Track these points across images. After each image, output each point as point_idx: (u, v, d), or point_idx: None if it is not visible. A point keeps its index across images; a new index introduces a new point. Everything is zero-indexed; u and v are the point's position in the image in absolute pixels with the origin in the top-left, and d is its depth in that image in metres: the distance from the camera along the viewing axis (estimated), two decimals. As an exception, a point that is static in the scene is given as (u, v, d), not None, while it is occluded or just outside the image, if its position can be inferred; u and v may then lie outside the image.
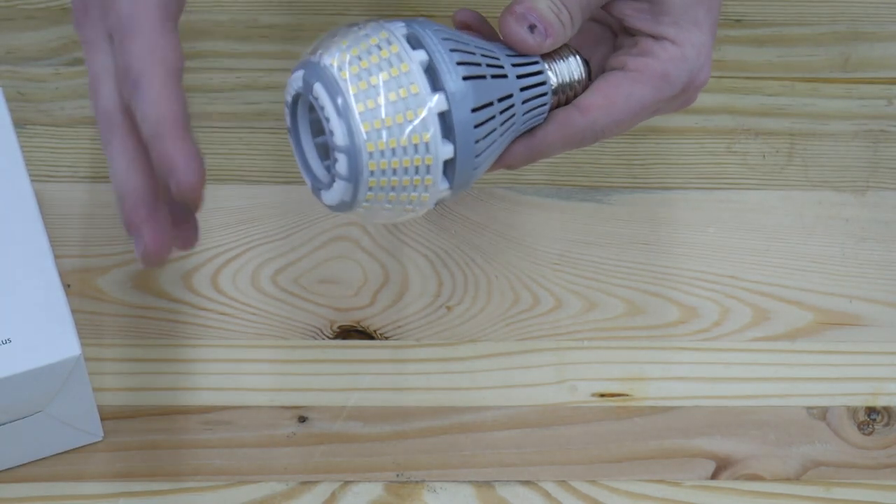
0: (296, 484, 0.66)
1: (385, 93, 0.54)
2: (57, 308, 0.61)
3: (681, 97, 0.61)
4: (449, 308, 0.72)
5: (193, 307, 0.71)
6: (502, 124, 0.56)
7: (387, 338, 0.71)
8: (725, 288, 0.73)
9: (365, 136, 0.53)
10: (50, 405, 0.62)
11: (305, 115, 0.57)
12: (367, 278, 0.72)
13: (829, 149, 0.78)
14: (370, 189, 0.54)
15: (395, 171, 0.54)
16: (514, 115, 0.57)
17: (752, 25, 0.81)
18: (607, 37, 0.62)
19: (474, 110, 0.55)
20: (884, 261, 0.74)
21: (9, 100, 0.74)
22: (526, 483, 0.67)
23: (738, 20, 0.81)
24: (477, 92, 0.55)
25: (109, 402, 0.68)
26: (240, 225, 0.73)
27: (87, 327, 0.69)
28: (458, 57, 0.55)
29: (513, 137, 0.58)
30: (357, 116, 0.53)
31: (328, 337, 0.70)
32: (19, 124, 0.74)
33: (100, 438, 0.67)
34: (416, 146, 0.54)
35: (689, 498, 0.67)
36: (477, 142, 0.55)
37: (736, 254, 0.74)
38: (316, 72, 0.54)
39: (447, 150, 0.55)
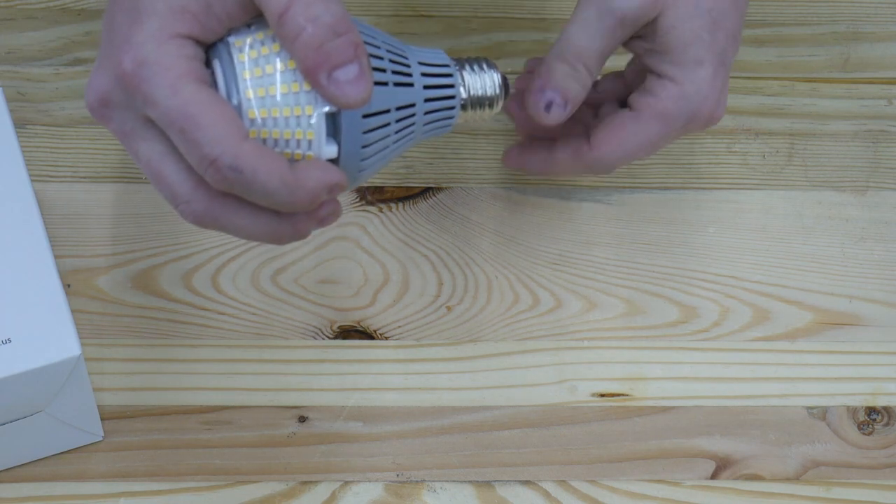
0: (296, 484, 0.66)
1: (279, 83, 0.54)
2: (57, 308, 0.61)
3: (688, 128, 0.65)
4: (449, 308, 0.72)
5: (193, 307, 0.71)
6: (398, 132, 0.56)
7: (387, 338, 0.71)
8: (725, 288, 0.73)
9: (249, 122, 0.53)
10: (50, 405, 0.62)
11: None
12: (367, 278, 0.72)
13: (829, 149, 0.78)
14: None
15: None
16: (413, 124, 0.57)
17: (752, 25, 0.81)
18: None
19: (366, 116, 0.55)
20: (884, 261, 0.74)
21: (9, 100, 0.74)
22: (526, 483, 0.67)
23: (738, 20, 0.81)
24: (373, 98, 0.54)
25: (109, 402, 0.68)
26: (240, 225, 0.73)
27: (87, 327, 0.69)
28: None
29: (412, 143, 0.58)
30: (244, 102, 0.53)
31: (328, 337, 0.70)
32: (19, 124, 0.74)
33: (100, 438, 0.67)
34: (298, 141, 0.54)
35: (689, 498, 0.67)
36: (364, 146, 0.55)
37: (736, 254, 0.74)
38: (219, 49, 0.54)
39: (331, 150, 0.55)
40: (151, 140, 0.54)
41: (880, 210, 0.76)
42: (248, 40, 0.54)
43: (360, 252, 0.73)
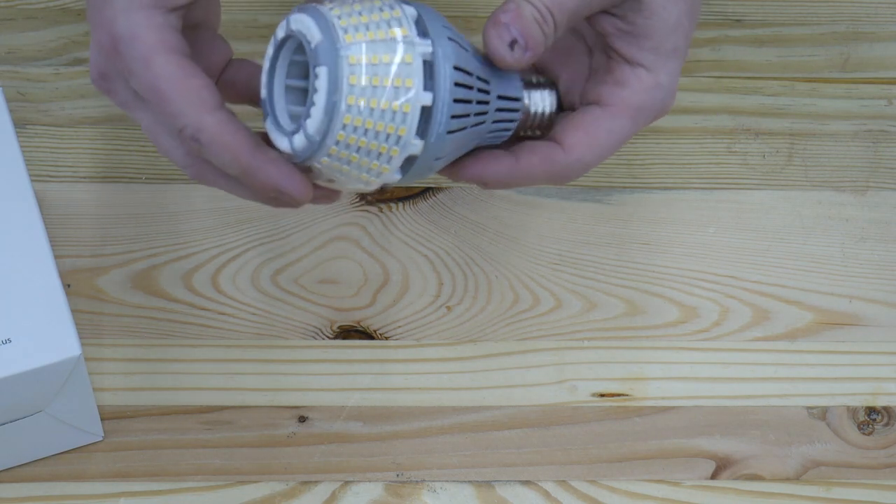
0: (296, 484, 0.66)
1: (382, 76, 0.53)
2: (57, 308, 0.61)
3: (651, 122, 0.60)
4: (449, 308, 0.72)
5: (193, 307, 0.71)
6: (467, 140, 0.57)
7: (387, 338, 0.71)
8: (725, 288, 0.73)
9: (345, 109, 0.53)
10: (50, 405, 0.62)
11: (288, 56, 0.56)
12: (367, 278, 0.72)
13: (829, 149, 0.78)
14: (336, 144, 0.54)
15: (358, 149, 0.54)
16: (480, 133, 0.57)
17: (752, 25, 0.81)
18: (581, 49, 0.61)
19: (453, 119, 0.55)
20: (884, 261, 0.74)
21: (9, 100, 0.74)
22: (526, 483, 0.67)
23: (738, 20, 0.81)
24: (459, 104, 0.55)
25: (109, 402, 0.68)
26: (240, 225, 0.73)
27: (87, 327, 0.69)
28: (457, 77, 0.55)
29: (469, 149, 0.58)
30: (345, 85, 0.53)
31: (328, 337, 0.70)
32: (19, 124, 0.74)
33: (100, 438, 0.67)
34: (388, 135, 0.54)
35: (689, 498, 0.67)
36: (438, 158, 0.56)
37: (736, 254, 0.74)
38: (322, 24, 0.54)
39: (416, 147, 0.55)
40: (144, 110, 0.56)
41: (880, 210, 0.76)
42: (355, 21, 0.54)
43: (360, 252, 0.73)
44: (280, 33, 0.56)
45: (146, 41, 0.54)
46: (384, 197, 0.74)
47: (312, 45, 0.53)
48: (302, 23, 0.54)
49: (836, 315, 0.72)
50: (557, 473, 0.67)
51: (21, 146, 0.65)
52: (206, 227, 0.73)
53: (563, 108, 0.60)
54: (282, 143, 0.55)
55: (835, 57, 0.81)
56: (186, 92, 0.53)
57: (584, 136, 0.58)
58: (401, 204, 0.74)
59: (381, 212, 0.74)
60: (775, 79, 0.80)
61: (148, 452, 0.67)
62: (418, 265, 0.73)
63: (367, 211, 0.74)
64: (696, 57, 0.80)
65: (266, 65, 0.56)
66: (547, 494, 0.67)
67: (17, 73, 0.77)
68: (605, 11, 0.58)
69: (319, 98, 0.53)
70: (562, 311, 0.72)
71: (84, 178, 0.74)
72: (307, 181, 0.55)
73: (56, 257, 0.63)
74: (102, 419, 0.66)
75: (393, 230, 0.73)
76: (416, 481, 0.67)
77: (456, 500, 0.66)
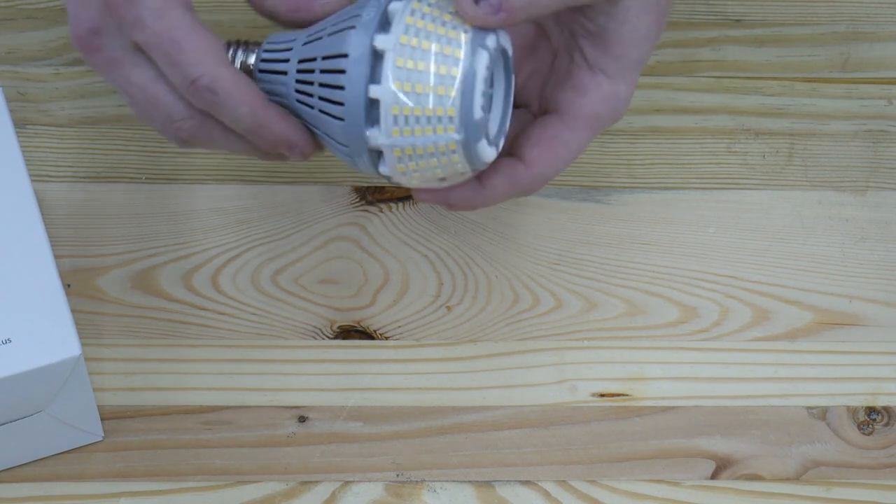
0: (296, 484, 0.66)
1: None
2: (57, 308, 0.61)
3: (607, 128, 0.61)
4: (449, 308, 0.72)
5: (193, 307, 0.71)
6: None
7: (387, 338, 0.71)
8: (725, 288, 0.73)
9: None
10: (50, 405, 0.62)
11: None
12: (367, 278, 0.72)
13: (829, 149, 0.78)
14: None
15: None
16: None
17: (752, 25, 0.81)
18: (545, 47, 0.61)
19: None
20: (884, 261, 0.74)
21: (9, 100, 0.74)
22: (526, 483, 0.67)
23: (738, 20, 0.81)
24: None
25: (109, 402, 0.68)
26: (240, 225, 0.73)
27: (87, 327, 0.69)
28: None
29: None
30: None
31: (328, 337, 0.70)
32: (19, 124, 0.74)
33: (100, 438, 0.67)
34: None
35: (689, 498, 0.67)
36: None
37: (736, 254, 0.74)
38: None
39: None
40: (143, 66, 0.56)
41: (880, 210, 0.76)
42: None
43: (360, 252, 0.73)
44: (493, 44, 0.55)
45: None
46: (384, 197, 0.74)
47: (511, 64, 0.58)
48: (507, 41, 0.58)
49: (836, 315, 0.72)
50: (557, 473, 0.67)
51: (21, 146, 0.65)
52: (206, 227, 0.73)
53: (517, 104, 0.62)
54: (489, 153, 0.58)
55: (835, 57, 0.81)
56: (202, 43, 0.54)
57: (544, 151, 0.59)
58: (401, 204, 0.74)
59: (381, 212, 0.74)
60: (775, 79, 0.80)
61: (148, 452, 0.67)
62: (418, 265, 0.73)
63: (367, 211, 0.74)
64: (696, 57, 0.80)
65: (481, 77, 0.55)
66: (547, 494, 0.67)
67: (17, 73, 0.77)
68: (578, 9, 0.57)
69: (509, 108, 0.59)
70: (562, 311, 0.72)
71: (84, 178, 0.74)
72: (313, 141, 0.57)
73: (56, 257, 0.63)
74: (102, 419, 0.66)
75: (393, 230, 0.73)
76: (416, 481, 0.67)
77: (456, 500, 0.66)
